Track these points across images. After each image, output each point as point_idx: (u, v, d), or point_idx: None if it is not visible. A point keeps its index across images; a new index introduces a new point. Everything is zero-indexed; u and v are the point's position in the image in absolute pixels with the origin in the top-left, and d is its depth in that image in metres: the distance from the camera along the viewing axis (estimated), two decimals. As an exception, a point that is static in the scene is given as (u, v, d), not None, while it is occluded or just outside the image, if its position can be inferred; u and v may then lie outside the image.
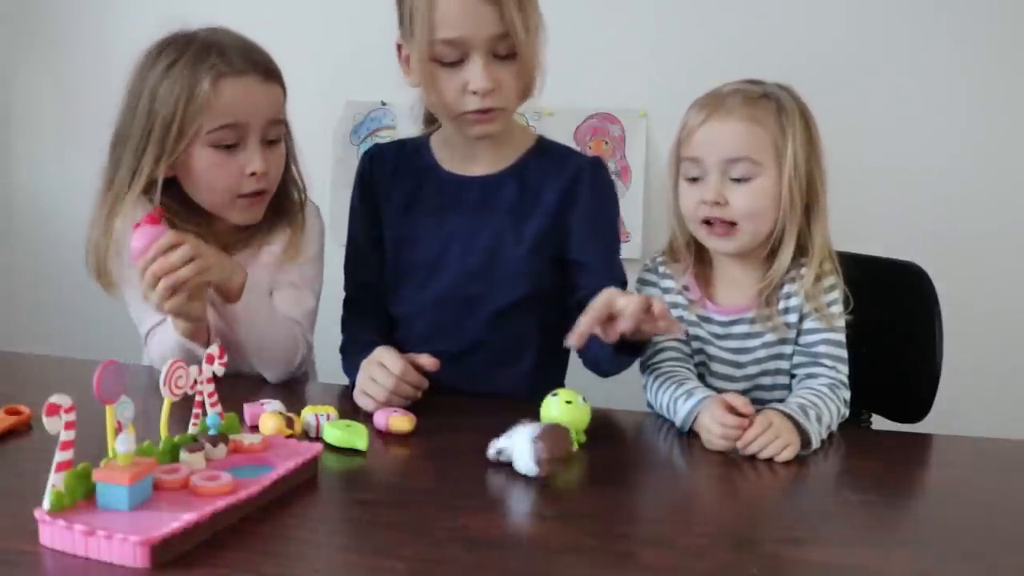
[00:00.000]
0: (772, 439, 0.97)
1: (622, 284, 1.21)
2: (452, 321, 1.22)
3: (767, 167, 1.11)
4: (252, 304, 1.16)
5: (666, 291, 1.21)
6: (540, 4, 1.16)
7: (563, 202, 1.21)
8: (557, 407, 1.00)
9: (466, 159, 1.24)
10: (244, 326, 1.16)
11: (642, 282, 1.24)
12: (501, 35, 1.09)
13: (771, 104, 1.12)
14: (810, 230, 1.14)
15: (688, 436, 1.05)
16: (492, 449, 0.91)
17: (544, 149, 1.26)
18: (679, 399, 1.07)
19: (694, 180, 1.14)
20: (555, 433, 0.90)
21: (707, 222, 1.14)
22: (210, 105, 1.10)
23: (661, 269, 1.22)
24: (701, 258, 1.21)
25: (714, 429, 0.99)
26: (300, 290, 1.26)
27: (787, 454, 0.96)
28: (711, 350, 1.19)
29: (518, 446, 0.88)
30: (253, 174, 1.15)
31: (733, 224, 1.12)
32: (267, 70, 1.16)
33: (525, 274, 1.21)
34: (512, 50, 1.10)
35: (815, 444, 0.99)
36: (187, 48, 1.12)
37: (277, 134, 1.19)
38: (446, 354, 1.14)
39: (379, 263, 1.28)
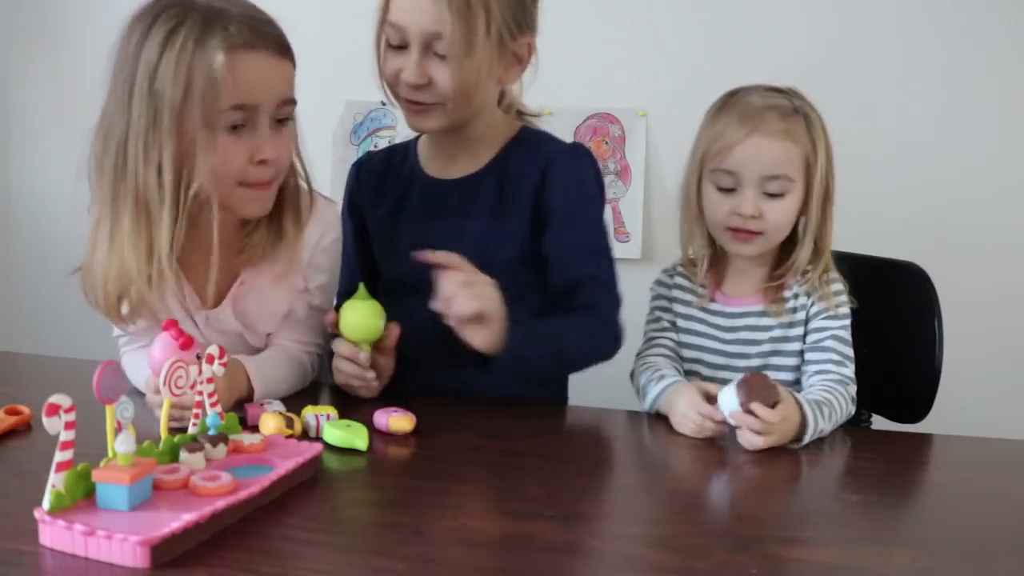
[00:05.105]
0: (770, 431, 0.97)
1: (599, 278, 1.17)
2: (440, 327, 1.12)
3: (797, 181, 1.15)
4: (262, 394, 1.09)
5: (675, 287, 1.25)
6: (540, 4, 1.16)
7: (537, 196, 1.17)
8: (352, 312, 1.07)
9: (446, 160, 1.21)
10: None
11: (656, 283, 1.28)
12: (435, 33, 1.06)
13: (801, 119, 1.15)
14: (822, 231, 1.18)
15: (683, 435, 1.05)
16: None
17: (522, 140, 1.21)
18: (651, 383, 1.13)
19: (727, 191, 1.16)
20: (756, 380, 0.98)
21: (731, 228, 1.17)
22: (223, 83, 0.98)
23: (679, 270, 1.26)
24: (715, 258, 1.24)
25: (690, 415, 1.02)
26: (318, 311, 1.19)
27: (756, 443, 0.97)
28: (714, 344, 1.21)
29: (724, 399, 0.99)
30: (262, 161, 1.04)
31: (759, 232, 1.16)
32: (280, 44, 1.05)
33: (510, 273, 1.14)
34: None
35: (804, 442, 1.00)
36: (186, 15, 0.98)
37: (287, 114, 1.07)
38: (440, 360, 1.11)
39: (368, 275, 1.27)
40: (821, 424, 1.01)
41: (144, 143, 0.98)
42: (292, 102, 1.07)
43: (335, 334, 1.11)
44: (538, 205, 1.17)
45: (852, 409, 1.10)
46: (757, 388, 0.98)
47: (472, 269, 1.03)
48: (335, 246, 1.20)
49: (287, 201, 1.12)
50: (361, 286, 1.08)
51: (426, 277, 1.15)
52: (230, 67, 0.98)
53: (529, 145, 1.21)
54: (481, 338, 1.02)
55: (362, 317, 1.08)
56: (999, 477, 0.97)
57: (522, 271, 1.18)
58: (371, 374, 1.09)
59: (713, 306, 1.22)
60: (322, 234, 1.17)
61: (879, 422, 1.39)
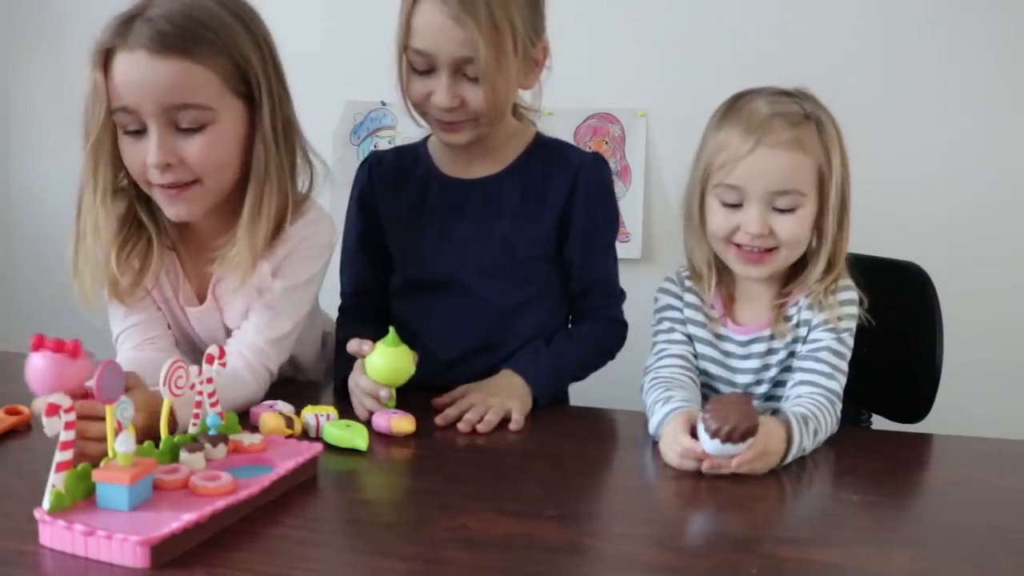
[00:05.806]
0: (754, 464, 0.92)
1: (608, 280, 1.27)
2: (463, 324, 1.21)
3: (810, 195, 1.06)
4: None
5: (688, 305, 1.16)
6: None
7: (566, 202, 1.21)
8: (380, 354, 1.03)
9: (465, 161, 1.22)
10: None
11: (663, 291, 1.18)
12: (466, 58, 1.07)
13: (812, 126, 1.06)
14: (837, 244, 1.10)
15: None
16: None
17: (543, 146, 1.25)
18: (658, 403, 1.03)
19: (731, 206, 1.07)
20: (726, 402, 0.92)
21: (736, 245, 1.09)
22: (103, 84, 0.99)
23: (687, 283, 1.17)
24: (722, 275, 1.15)
25: (673, 446, 0.94)
26: (277, 314, 1.12)
27: (741, 469, 0.92)
28: (723, 372, 1.15)
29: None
30: (167, 166, 1.01)
31: (771, 249, 1.07)
32: (168, 44, 0.96)
33: (532, 275, 1.22)
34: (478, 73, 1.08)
35: (787, 461, 0.96)
36: (118, 13, 0.99)
37: (194, 121, 1.00)
38: (457, 356, 1.18)
39: (378, 274, 1.28)
40: (806, 442, 0.97)
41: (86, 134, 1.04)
42: (192, 107, 0.99)
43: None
44: (566, 211, 1.21)
45: (836, 427, 1.04)
46: (730, 419, 0.89)
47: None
48: (317, 252, 1.15)
49: (245, 200, 1.07)
50: (392, 331, 1.04)
51: (447, 276, 1.20)
52: (109, 69, 0.99)
53: (550, 150, 1.25)
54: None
55: (394, 362, 1.03)
56: (999, 477, 0.97)
57: (544, 270, 1.24)
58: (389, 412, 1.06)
59: (722, 331, 1.14)
60: (308, 235, 1.13)
61: (879, 422, 1.39)
